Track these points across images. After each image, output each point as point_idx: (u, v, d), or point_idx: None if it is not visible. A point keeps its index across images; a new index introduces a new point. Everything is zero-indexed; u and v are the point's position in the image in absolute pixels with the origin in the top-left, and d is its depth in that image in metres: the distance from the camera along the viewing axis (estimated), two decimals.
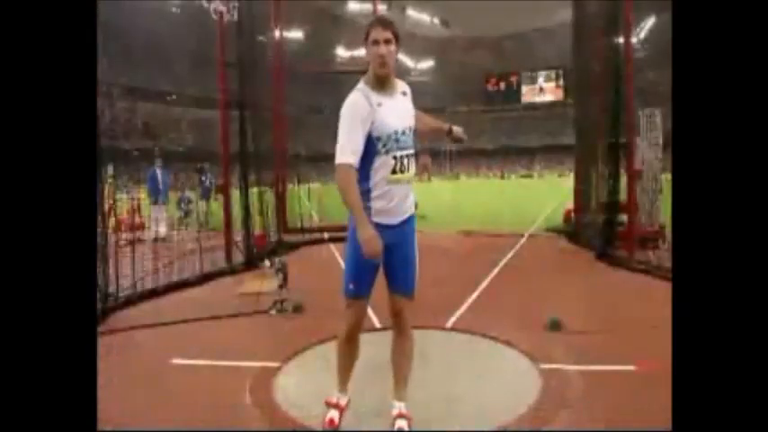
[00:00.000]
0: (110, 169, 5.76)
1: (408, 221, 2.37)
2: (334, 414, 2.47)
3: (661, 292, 4.49)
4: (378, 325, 4.08)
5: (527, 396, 2.75)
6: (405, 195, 2.31)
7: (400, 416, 2.39)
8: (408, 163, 2.29)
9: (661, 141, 8.14)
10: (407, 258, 2.37)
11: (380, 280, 2.39)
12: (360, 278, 2.33)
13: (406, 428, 2.35)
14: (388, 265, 2.34)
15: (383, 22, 2.23)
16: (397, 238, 2.32)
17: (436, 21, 76.55)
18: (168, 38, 44.06)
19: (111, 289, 4.88)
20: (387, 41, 2.20)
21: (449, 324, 4.11)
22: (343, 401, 2.51)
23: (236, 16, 6.88)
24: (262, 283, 5.06)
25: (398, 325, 2.46)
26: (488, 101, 79.70)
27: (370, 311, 4.36)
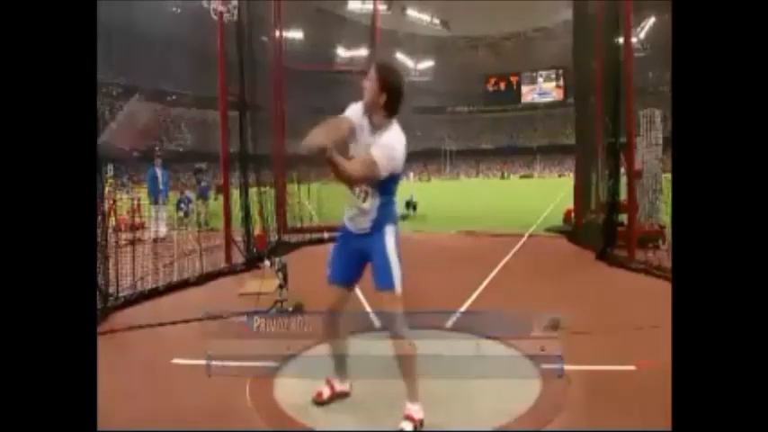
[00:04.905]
0: (110, 169, 5.77)
1: (370, 235, 2.57)
2: (324, 389, 2.77)
3: (661, 292, 4.48)
4: (378, 325, 4.09)
5: (527, 396, 2.75)
6: (355, 216, 2.58)
7: (406, 417, 2.42)
8: (362, 195, 2.54)
9: (661, 141, 8.15)
10: (377, 262, 2.55)
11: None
12: (331, 263, 2.69)
13: (408, 429, 2.36)
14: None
15: (376, 64, 2.55)
16: (363, 245, 2.59)
17: (436, 21, 76.49)
18: (168, 38, 44.05)
19: (111, 289, 4.87)
20: (368, 78, 2.47)
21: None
22: (336, 383, 2.78)
23: (236, 16, 6.88)
24: (262, 283, 5.06)
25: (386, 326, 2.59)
26: (488, 101, 79.68)
27: (370, 312, 4.37)
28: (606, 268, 6.33)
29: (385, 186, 2.51)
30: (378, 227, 2.56)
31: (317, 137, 2.09)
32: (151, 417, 2.65)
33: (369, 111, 2.47)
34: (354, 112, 2.54)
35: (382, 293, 2.51)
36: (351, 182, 2.41)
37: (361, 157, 2.40)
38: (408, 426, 2.38)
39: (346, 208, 2.65)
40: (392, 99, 2.45)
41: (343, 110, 2.57)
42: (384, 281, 2.51)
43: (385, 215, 2.57)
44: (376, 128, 2.48)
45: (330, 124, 2.33)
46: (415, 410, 2.44)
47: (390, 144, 2.41)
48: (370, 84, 2.45)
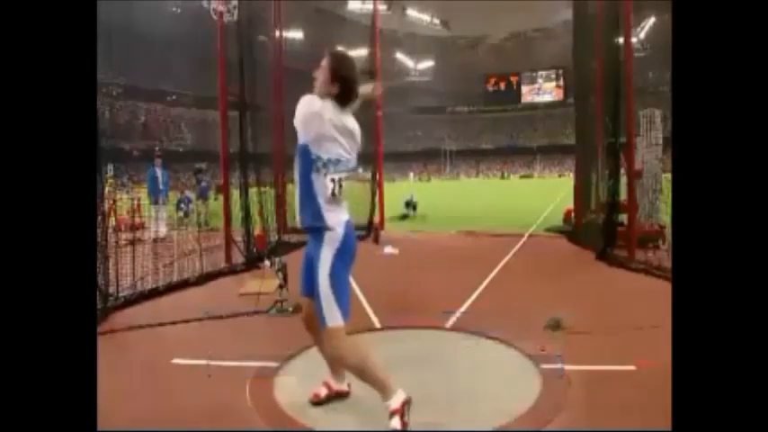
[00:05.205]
0: (110, 169, 5.76)
1: (311, 239, 2.44)
2: (321, 389, 2.75)
3: (661, 292, 4.49)
4: (378, 325, 4.10)
5: (527, 396, 2.75)
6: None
7: (391, 413, 2.36)
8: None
9: (661, 141, 8.15)
10: (315, 287, 2.37)
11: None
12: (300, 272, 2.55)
13: (399, 427, 2.33)
14: None
15: (329, 52, 2.47)
16: (308, 252, 2.46)
17: (436, 21, 76.52)
18: (168, 38, 44.07)
19: (111, 289, 4.87)
20: (320, 67, 2.41)
21: (449, 324, 4.11)
22: (333, 383, 2.76)
23: (236, 16, 6.88)
24: (262, 283, 5.06)
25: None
26: (488, 101, 79.75)
27: (370, 312, 4.38)
28: (606, 268, 6.33)
29: (303, 154, 2.33)
30: (311, 226, 2.39)
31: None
32: (151, 417, 2.65)
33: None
34: None
35: (322, 328, 2.41)
36: None
37: None
38: (396, 421, 2.33)
39: None
40: (345, 89, 2.37)
41: None
42: (321, 316, 2.38)
43: (309, 216, 2.37)
44: None
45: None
46: (395, 401, 2.36)
47: (303, 103, 2.32)
48: (321, 73, 2.37)
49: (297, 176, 2.38)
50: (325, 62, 2.39)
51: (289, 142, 9.82)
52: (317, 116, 2.29)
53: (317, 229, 2.38)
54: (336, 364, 2.70)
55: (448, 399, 2.80)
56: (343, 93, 2.37)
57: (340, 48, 12.47)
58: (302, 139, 2.33)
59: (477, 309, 4.54)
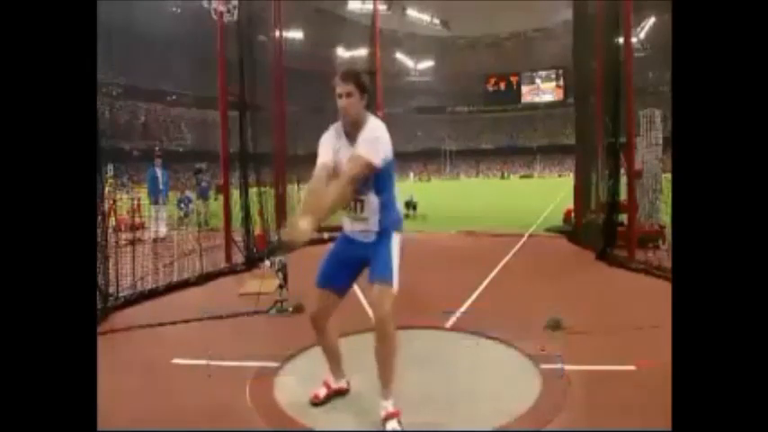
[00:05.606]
0: (110, 169, 5.76)
1: (374, 243, 2.54)
2: (320, 390, 2.76)
3: (661, 292, 4.49)
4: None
5: (527, 396, 2.75)
6: (357, 226, 2.54)
7: (388, 416, 2.41)
8: (357, 206, 2.48)
9: (661, 141, 8.15)
10: (378, 258, 2.50)
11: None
12: (324, 266, 2.65)
13: (399, 428, 2.36)
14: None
15: (343, 76, 2.42)
16: (366, 252, 2.54)
17: (436, 21, 76.50)
18: (168, 38, 44.07)
19: (111, 289, 4.87)
20: (347, 95, 2.39)
21: (449, 324, 4.11)
22: (332, 381, 2.79)
23: (236, 16, 6.88)
24: (262, 283, 5.06)
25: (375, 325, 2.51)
26: (488, 101, 79.71)
27: (370, 312, 4.37)
28: (606, 268, 6.33)
29: (380, 183, 2.45)
30: (384, 232, 2.52)
31: (298, 229, 2.11)
32: (151, 417, 2.65)
33: (354, 121, 2.42)
34: (328, 141, 2.51)
35: (378, 284, 2.41)
36: (347, 195, 2.36)
37: (344, 166, 2.37)
38: (394, 423, 2.38)
39: (344, 218, 2.60)
40: (369, 95, 2.52)
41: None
42: (382, 272, 2.43)
43: (389, 219, 2.53)
44: (354, 137, 2.43)
45: (308, 204, 2.36)
46: (391, 404, 2.43)
47: (372, 133, 2.39)
48: (351, 97, 2.39)
49: (382, 189, 2.48)
50: (346, 86, 2.39)
51: (289, 142, 9.84)
52: (384, 131, 2.44)
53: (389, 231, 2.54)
54: (379, 325, 2.46)
55: (448, 399, 2.80)
56: (369, 98, 2.52)
57: (339, 48, 12.48)
58: (388, 155, 2.42)
59: (477, 309, 4.54)
